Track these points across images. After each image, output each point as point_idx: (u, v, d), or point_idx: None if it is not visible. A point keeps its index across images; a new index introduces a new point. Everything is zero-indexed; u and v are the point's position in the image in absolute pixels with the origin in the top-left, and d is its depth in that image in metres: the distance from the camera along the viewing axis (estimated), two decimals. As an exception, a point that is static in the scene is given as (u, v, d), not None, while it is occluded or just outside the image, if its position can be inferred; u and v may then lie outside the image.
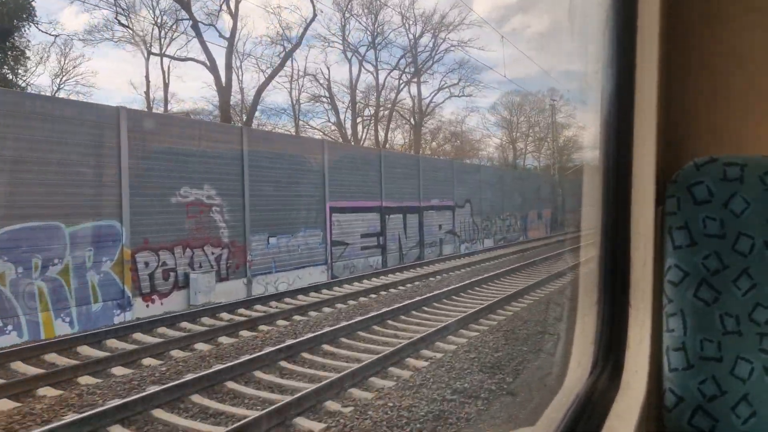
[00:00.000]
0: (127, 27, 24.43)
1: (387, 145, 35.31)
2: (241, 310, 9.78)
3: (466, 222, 21.79)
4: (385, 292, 11.86)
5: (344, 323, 8.56)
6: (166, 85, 28.71)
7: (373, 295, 11.46)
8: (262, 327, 8.62)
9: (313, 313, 9.73)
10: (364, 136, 36.13)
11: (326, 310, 9.98)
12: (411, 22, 34.57)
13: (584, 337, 1.37)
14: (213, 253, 10.37)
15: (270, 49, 25.95)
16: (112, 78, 43.69)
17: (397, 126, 38.32)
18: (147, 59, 27.81)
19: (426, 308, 10.14)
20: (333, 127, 32.68)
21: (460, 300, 11.16)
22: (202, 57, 22.35)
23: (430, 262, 17.16)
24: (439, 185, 19.75)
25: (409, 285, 12.80)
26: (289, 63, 28.04)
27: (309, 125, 33.99)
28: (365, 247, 15.15)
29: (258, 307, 10.19)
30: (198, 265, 10.10)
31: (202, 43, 20.96)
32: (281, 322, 9.04)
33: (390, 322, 9.11)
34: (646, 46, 1.20)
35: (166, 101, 29.43)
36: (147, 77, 28.16)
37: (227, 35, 22.03)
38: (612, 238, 1.28)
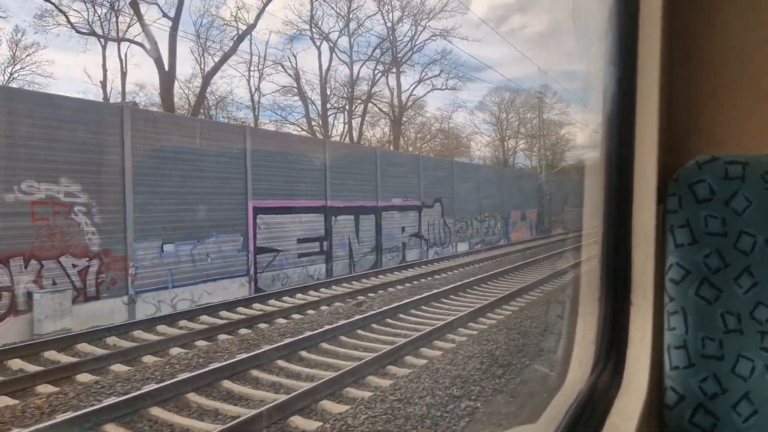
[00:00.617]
0: (78, 12, 22.17)
1: (362, 142, 33.09)
2: (112, 339, 7.57)
3: (436, 224, 19.59)
4: (313, 311, 9.68)
5: (242, 355, 6.45)
6: (123, 74, 26.46)
7: (297, 315, 9.27)
8: (117, 367, 6.41)
9: (202, 343, 7.53)
10: (340, 132, 33.94)
11: (222, 337, 7.80)
12: (388, 8, 32.38)
13: (586, 335, 1.38)
14: (74, 266, 8.12)
15: (225, 32, 23.49)
16: (73, 68, 41.28)
17: (375, 121, 36.13)
18: (104, 47, 25.60)
19: (361, 332, 8.00)
20: (316, 122, 30.44)
21: (410, 319, 9.00)
22: (160, 41, 20.12)
23: (388, 270, 14.96)
24: (403, 183, 17.56)
25: (350, 300, 10.62)
26: (248, 49, 25.80)
27: (287, 121, 31.76)
28: (304, 254, 12.92)
29: (137, 333, 7.99)
30: (51, 281, 7.85)
31: (141, 21, 18.71)
32: (149, 359, 6.83)
33: (305, 354, 6.95)
34: (647, 44, 1.21)
35: (123, 91, 27.16)
36: (104, 66, 25.94)
37: (171, 14, 19.77)
38: (613, 236, 1.29)
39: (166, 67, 19.37)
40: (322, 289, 11.93)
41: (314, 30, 29.75)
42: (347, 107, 31.54)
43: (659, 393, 1.20)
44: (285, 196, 12.35)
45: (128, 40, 21.18)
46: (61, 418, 4.68)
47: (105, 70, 26.50)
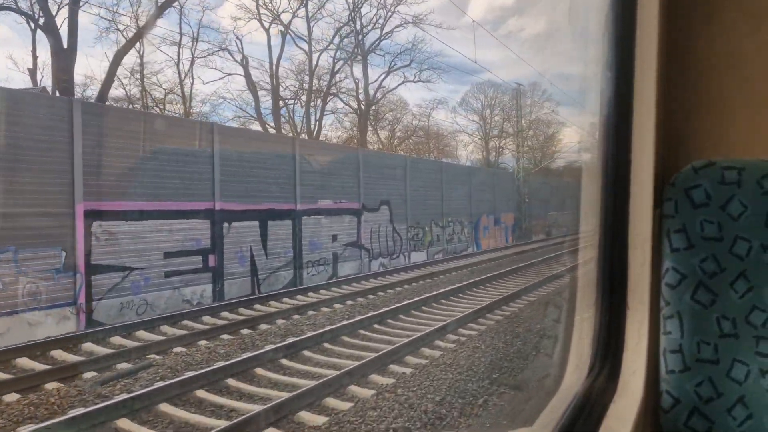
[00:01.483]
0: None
1: (320, 138, 30.11)
2: None
3: (383, 230, 16.64)
4: (160, 356, 6.73)
5: None
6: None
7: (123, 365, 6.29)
8: None
9: None
10: (305, 130, 30.94)
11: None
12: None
13: (582, 338, 1.39)
14: None
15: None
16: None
17: (339, 115, 33.14)
18: (33, 30, 22.52)
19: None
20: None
21: (295, 369, 6.08)
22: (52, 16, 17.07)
23: (310, 288, 12.00)
24: (338, 182, 14.60)
25: (230, 336, 7.66)
26: (178, 28, 22.76)
27: (250, 116, 28.70)
28: (177, 271, 9.91)
29: None
30: None
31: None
32: None
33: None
34: (645, 49, 1.22)
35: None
36: (34, 52, 22.85)
37: (73, -17, 16.72)
38: (610, 241, 1.30)
39: (65, 44, 16.34)
40: (217, 315, 9.01)
41: (262, 10, 26.74)
42: (304, 100, 28.57)
43: (655, 396, 1.21)
44: (146, 196, 9.35)
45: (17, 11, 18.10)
46: None
47: (35, 57, 23.49)
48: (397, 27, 30.65)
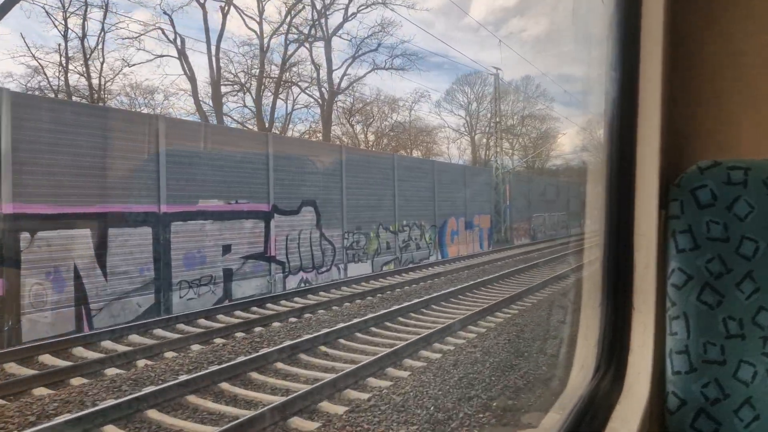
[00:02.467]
0: None
1: (280, 132, 26.86)
2: None
3: (307, 238, 13.42)
4: None
5: None
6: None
7: None
8: None
9: None
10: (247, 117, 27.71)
11: None
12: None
13: (587, 339, 1.38)
14: None
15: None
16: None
17: (298, 104, 29.89)
18: None
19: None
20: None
21: None
22: None
23: (180, 318, 8.82)
24: (235, 178, 11.39)
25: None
26: None
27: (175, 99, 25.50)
28: None
29: None
30: None
31: None
32: None
33: None
34: (649, 50, 1.22)
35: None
36: None
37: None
38: (615, 241, 1.29)
39: None
40: None
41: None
42: (253, 86, 25.34)
43: (660, 398, 1.21)
44: None
45: None
46: None
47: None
48: (362, 7, 27.42)
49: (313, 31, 26.52)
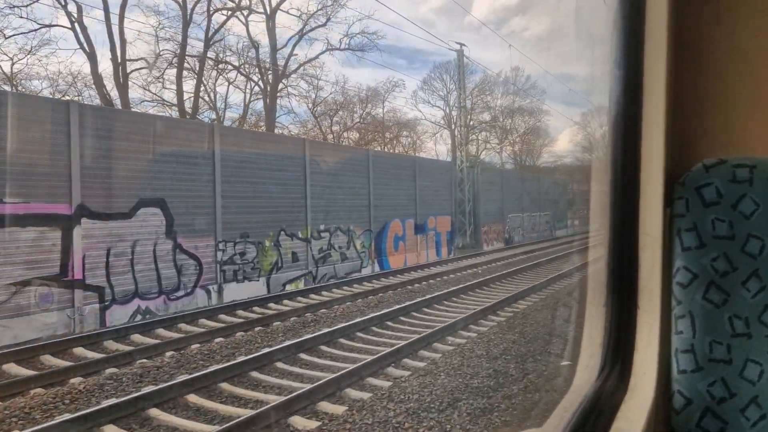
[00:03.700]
0: None
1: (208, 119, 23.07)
2: None
3: (149, 250, 9.67)
4: None
5: None
6: None
7: None
8: None
9: None
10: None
11: None
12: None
13: (592, 338, 1.37)
14: None
15: None
16: None
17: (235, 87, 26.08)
18: None
19: None
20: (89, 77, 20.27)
21: None
22: None
23: None
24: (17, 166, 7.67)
25: None
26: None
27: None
28: None
29: None
30: None
31: None
32: None
33: None
34: (654, 47, 1.21)
35: None
36: None
37: None
38: (620, 240, 1.29)
39: None
40: None
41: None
42: (159, 63, 21.55)
43: (666, 397, 1.20)
44: None
45: None
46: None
47: None
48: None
49: (246, 1, 22.79)
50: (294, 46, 25.58)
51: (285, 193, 12.86)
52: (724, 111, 1.29)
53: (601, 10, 1.43)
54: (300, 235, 13.23)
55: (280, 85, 27.05)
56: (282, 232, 12.69)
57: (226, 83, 24.84)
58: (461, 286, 12.82)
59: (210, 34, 21.86)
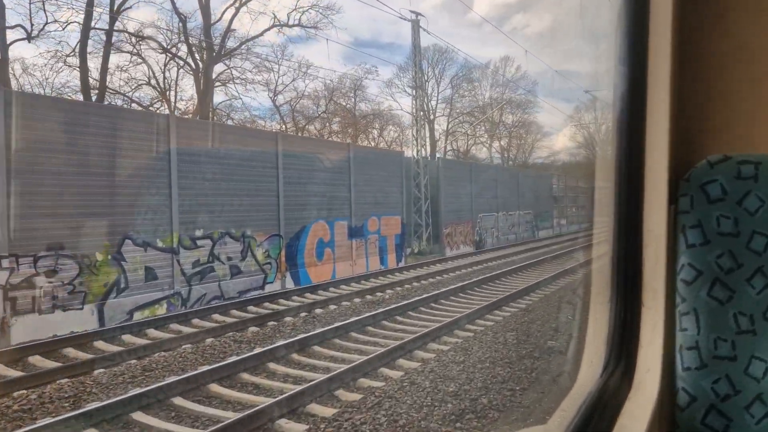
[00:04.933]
0: None
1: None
2: None
3: None
4: None
5: None
6: None
7: None
8: None
9: None
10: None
11: None
12: None
13: (596, 336, 1.37)
14: None
15: None
16: None
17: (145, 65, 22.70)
18: None
19: None
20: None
21: None
22: None
23: None
24: None
25: None
26: None
27: None
28: None
29: None
30: None
31: None
32: None
33: None
34: (658, 44, 1.21)
35: None
36: None
37: None
38: (624, 237, 1.29)
39: None
40: None
41: None
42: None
43: (671, 394, 1.20)
44: None
45: None
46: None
47: None
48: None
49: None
50: (231, 19, 22.22)
51: (135, 189, 9.55)
52: (729, 108, 1.28)
53: (604, 7, 1.47)
54: (160, 245, 9.91)
55: (222, 67, 23.75)
56: (128, 241, 9.38)
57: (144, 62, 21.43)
58: (392, 306, 9.54)
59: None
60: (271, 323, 9.04)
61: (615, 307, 1.30)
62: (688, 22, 1.26)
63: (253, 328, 8.53)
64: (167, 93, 22.24)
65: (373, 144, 34.86)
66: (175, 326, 8.74)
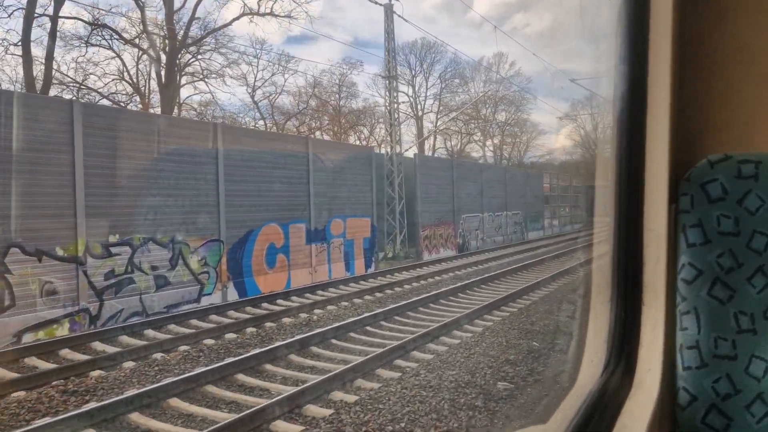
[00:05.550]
0: None
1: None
2: None
3: None
4: None
5: None
6: None
7: None
8: None
9: None
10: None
11: None
12: None
13: (597, 335, 1.37)
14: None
15: None
16: None
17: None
18: None
19: None
20: None
21: None
22: None
23: None
24: None
25: None
26: None
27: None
28: None
29: None
30: None
31: None
32: None
33: None
34: (658, 43, 1.21)
35: None
36: None
37: None
38: (625, 236, 1.29)
39: None
40: None
41: None
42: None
43: (671, 393, 1.20)
44: None
45: None
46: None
47: None
48: None
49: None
50: (196, 6, 20.72)
51: (25, 189, 8.05)
52: (729, 107, 1.28)
53: (605, 6, 1.45)
54: (60, 253, 8.41)
55: (190, 58, 22.26)
56: (15, 250, 7.88)
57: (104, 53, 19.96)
58: (327, 328, 8.07)
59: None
60: (209, 341, 7.64)
61: (615, 307, 1.29)
62: (688, 22, 1.27)
63: (161, 355, 7.05)
64: (141, 87, 20.76)
65: (364, 143, 33.37)
66: (67, 352, 7.25)
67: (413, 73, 37.86)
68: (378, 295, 11.71)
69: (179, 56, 21.07)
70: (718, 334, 1.13)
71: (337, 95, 33.61)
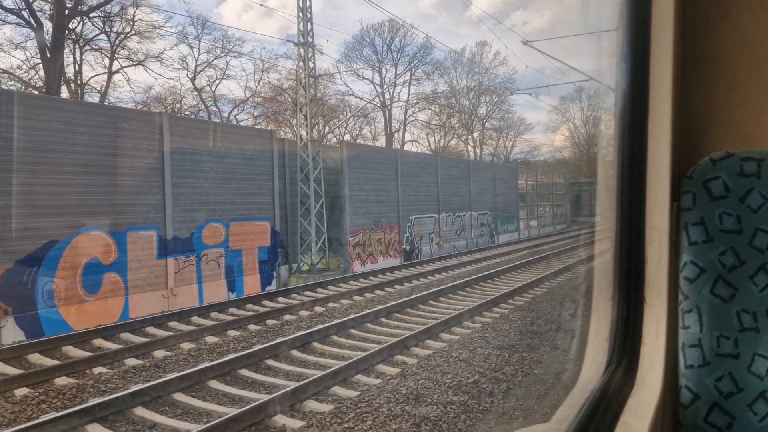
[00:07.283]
0: None
1: None
2: None
3: None
4: None
5: None
6: None
7: None
8: None
9: None
10: None
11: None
12: None
13: (599, 333, 1.36)
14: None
15: None
16: None
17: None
18: None
19: None
20: None
21: None
22: None
23: None
24: None
25: None
26: None
27: None
28: None
29: None
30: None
31: None
32: None
33: None
34: (660, 41, 1.20)
35: None
36: None
37: None
38: (627, 234, 1.27)
39: None
40: None
41: None
42: None
43: (673, 392, 1.19)
44: None
45: None
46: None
47: None
48: None
49: None
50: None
51: None
52: (731, 104, 1.27)
53: (607, 4, 1.44)
54: None
55: (94, 31, 18.75)
56: None
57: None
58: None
59: None
60: None
61: (617, 305, 1.27)
62: (690, 19, 1.25)
63: None
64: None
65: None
66: None
67: (380, 58, 34.37)
68: (252, 328, 8.32)
69: (69, 23, 17.57)
70: (721, 332, 1.12)
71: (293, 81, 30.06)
